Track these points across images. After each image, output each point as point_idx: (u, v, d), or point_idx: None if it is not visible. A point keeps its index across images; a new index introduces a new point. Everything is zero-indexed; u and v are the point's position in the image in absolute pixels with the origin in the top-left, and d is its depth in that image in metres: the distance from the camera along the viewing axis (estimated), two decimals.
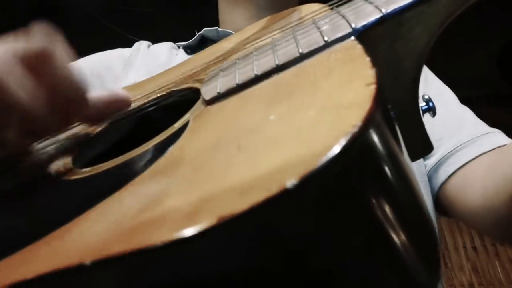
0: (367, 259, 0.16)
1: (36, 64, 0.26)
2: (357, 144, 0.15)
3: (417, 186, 0.20)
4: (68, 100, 0.27)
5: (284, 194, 0.14)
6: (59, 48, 0.26)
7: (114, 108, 0.31)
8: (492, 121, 0.54)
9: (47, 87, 0.26)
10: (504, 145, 0.47)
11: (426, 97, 0.30)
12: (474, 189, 0.44)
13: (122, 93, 0.31)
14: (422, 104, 0.30)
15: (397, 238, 0.17)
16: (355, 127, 0.15)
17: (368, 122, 0.15)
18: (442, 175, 0.49)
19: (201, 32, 0.63)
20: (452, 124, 0.52)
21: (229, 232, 0.14)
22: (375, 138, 0.16)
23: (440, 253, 0.20)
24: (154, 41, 0.65)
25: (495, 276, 1.59)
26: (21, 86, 0.25)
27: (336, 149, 0.14)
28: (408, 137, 0.22)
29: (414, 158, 0.31)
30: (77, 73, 0.27)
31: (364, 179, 0.16)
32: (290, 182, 0.14)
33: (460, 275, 1.60)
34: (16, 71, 0.25)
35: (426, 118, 0.30)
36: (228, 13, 0.62)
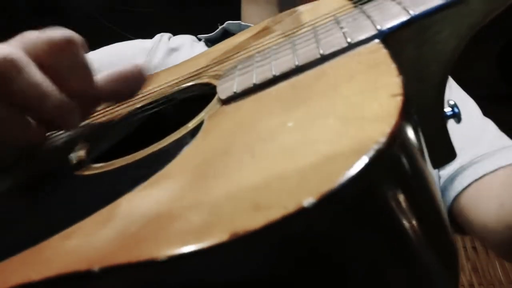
0: (390, 276, 0.15)
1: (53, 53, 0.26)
2: (380, 162, 0.14)
3: (439, 197, 0.19)
4: (82, 90, 0.27)
5: (301, 213, 0.13)
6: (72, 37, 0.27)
7: (128, 85, 0.30)
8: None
9: (60, 74, 0.26)
10: None
11: (452, 102, 0.29)
12: (489, 204, 0.43)
13: (133, 68, 0.31)
14: (447, 109, 0.28)
15: (422, 251, 0.16)
16: (379, 144, 0.14)
17: (393, 139, 0.14)
18: (457, 187, 0.48)
19: (223, 25, 0.62)
20: (472, 135, 0.50)
21: (241, 248, 0.14)
22: (399, 154, 0.15)
23: (459, 263, 0.19)
24: None
25: (495, 276, 1.57)
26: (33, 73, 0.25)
27: (358, 167, 0.14)
28: (431, 144, 0.21)
29: (436, 165, 0.29)
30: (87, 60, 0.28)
31: (386, 196, 0.15)
32: (308, 200, 0.13)
33: (460, 275, 1.59)
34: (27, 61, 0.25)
35: (449, 126, 0.29)
36: (250, 9, 0.61)
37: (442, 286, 0.17)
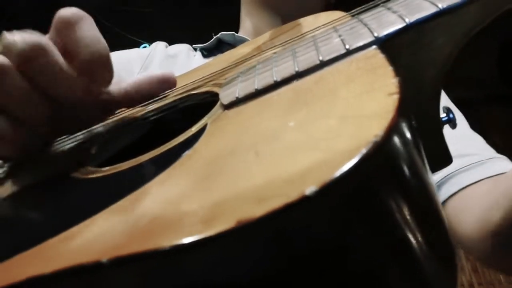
0: (387, 268, 0.16)
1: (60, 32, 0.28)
2: (379, 153, 0.15)
3: (436, 196, 0.19)
4: (91, 59, 0.28)
5: (304, 201, 0.14)
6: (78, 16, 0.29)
7: (158, 88, 0.33)
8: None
9: (69, 50, 0.28)
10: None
11: (447, 108, 0.29)
12: (470, 213, 0.43)
13: (167, 74, 0.33)
14: (442, 115, 0.29)
15: (418, 245, 0.17)
16: (377, 137, 0.15)
17: (391, 132, 0.15)
18: (442, 195, 0.48)
19: (218, 35, 0.64)
20: (460, 144, 0.51)
21: (246, 236, 0.14)
22: (397, 148, 0.16)
23: (457, 259, 0.20)
24: (154, 40, 0.66)
25: (495, 276, 1.57)
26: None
27: (357, 158, 0.14)
28: (427, 149, 0.22)
29: (432, 170, 0.30)
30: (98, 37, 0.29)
31: (385, 189, 0.16)
32: (310, 189, 0.14)
33: (460, 275, 1.58)
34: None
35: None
36: (250, 17, 0.63)
37: (441, 282, 0.18)
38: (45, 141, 0.32)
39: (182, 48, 0.65)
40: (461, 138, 0.52)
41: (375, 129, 0.15)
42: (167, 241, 0.15)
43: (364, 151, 0.15)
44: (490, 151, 0.52)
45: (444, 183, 0.49)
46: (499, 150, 0.52)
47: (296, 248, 0.15)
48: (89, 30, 0.29)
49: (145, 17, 1.57)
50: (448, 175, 0.49)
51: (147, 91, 0.32)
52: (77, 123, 0.32)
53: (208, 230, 0.14)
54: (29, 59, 0.26)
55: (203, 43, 0.65)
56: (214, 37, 0.64)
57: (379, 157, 0.15)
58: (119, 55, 0.63)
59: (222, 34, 0.63)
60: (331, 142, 0.16)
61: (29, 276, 0.16)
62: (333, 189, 0.14)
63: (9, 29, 0.29)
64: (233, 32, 0.63)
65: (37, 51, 0.26)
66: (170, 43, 0.67)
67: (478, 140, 0.54)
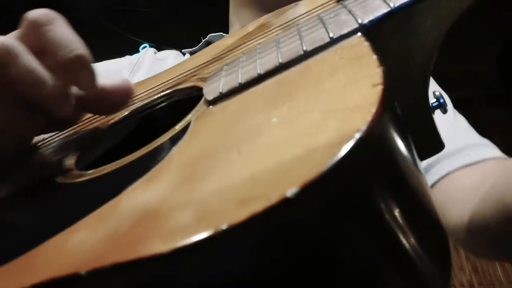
0: (377, 267, 0.15)
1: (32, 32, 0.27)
2: (363, 149, 0.14)
3: (426, 187, 0.19)
4: (69, 60, 0.27)
5: (285, 203, 0.13)
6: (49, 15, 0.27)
7: (118, 95, 0.31)
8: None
9: (45, 50, 0.27)
10: (489, 159, 0.46)
11: (437, 93, 0.29)
12: (457, 203, 0.43)
13: (124, 82, 0.31)
14: (432, 100, 0.29)
15: (409, 243, 0.16)
16: (360, 132, 0.14)
17: (374, 126, 0.14)
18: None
19: (206, 38, 0.63)
20: (442, 131, 0.51)
21: (227, 242, 0.14)
22: (382, 142, 0.15)
23: (451, 255, 0.19)
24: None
25: (495, 276, 1.58)
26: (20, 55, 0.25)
27: (340, 156, 0.14)
28: (418, 135, 0.22)
29: (424, 156, 0.30)
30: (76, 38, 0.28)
31: (371, 185, 0.15)
32: (291, 190, 0.13)
33: (460, 275, 1.59)
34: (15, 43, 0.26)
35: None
36: (237, 15, 0.62)
37: (434, 271, 0.17)
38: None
39: (170, 54, 0.64)
40: (444, 123, 0.51)
41: (358, 123, 0.15)
42: (145, 251, 0.14)
43: (347, 147, 0.14)
44: (472, 136, 0.51)
45: (427, 171, 0.49)
46: None
47: (281, 249, 0.14)
48: (65, 29, 0.28)
49: (145, 17, 1.55)
50: (430, 163, 0.48)
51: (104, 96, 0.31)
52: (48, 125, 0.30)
53: (188, 237, 0.14)
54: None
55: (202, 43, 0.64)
56: (203, 40, 0.63)
57: (362, 152, 0.14)
58: (109, 63, 0.64)
59: (210, 36, 0.62)
60: (314, 138, 0.16)
61: None
62: (314, 189, 0.13)
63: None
64: (221, 33, 0.62)
65: (5, 56, 0.25)
66: (170, 43, 0.67)
67: (460, 125, 0.53)
